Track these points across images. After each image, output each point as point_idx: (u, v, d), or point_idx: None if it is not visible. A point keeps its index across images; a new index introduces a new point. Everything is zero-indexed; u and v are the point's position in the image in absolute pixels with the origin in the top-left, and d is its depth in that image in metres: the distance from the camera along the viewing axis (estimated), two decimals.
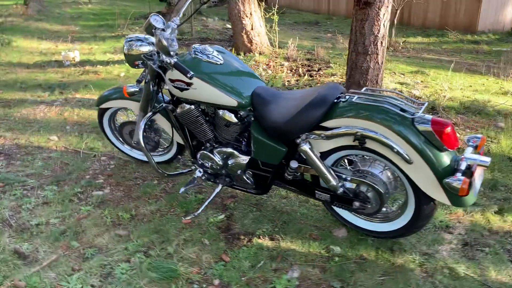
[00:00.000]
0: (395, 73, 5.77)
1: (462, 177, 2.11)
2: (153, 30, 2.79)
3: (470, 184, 2.16)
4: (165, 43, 2.49)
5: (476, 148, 2.36)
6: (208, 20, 9.78)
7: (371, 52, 4.07)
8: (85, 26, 9.65)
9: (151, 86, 2.94)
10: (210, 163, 2.86)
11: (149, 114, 2.95)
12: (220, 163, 2.82)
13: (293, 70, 5.57)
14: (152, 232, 2.72)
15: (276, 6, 6.49)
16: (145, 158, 3.51)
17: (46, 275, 2.37)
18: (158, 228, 2.76)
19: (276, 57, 6.09)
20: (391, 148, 2.25)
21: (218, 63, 2.71)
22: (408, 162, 2.25)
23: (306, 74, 5.37)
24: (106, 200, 3.09)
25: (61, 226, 2.79)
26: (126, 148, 3.58)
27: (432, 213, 2.43)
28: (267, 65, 5.87)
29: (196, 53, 2.74)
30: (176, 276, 2.34)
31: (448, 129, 2.17)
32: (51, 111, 4.81)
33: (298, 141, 2.49)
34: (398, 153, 2.25)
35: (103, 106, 3.32)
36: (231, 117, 2.73)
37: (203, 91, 2.66)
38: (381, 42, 4.06)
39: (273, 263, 2.47)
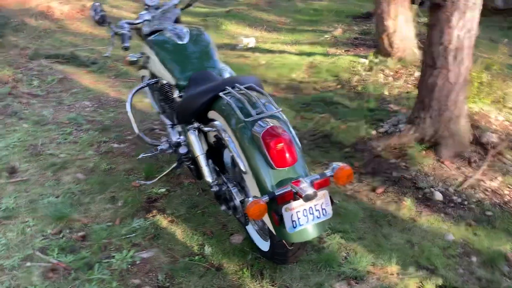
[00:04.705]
0: None
1: (258, 198, 1.76)
2: (145, 6, 3.08)
3: (278, 212, 1.78)
4: (92, 14, 2.71)
5: (331, 178, 1.88)
6: None
7: (440, 66, 3.31)
8: (296, 19, 10.23)
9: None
10: (171, 139, 3.00)
11: (140, 85, 3.23)
12: (176, 140, 2.93)
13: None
14: (99, 183, 3.07)
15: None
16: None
17: None
18: (107, 181, 3.08)
19: (414, 66, 5.41)
20: (230, 150, 2.02)
21: (180, 42, 2.80)
22: (242, 171, 1.98)
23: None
24: (112, 152, 3.56)
25: (65, 159, 3.39)
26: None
27: (284, 244, 2.05)
28: (396, 72, 5.29)
29: (169, 30, 2.89)
30: (61, 218, 2.65)
31: (279, 145, 1.84)
32: None
33: (188, 127, 2.43)
34: (233, 157, 2.00)
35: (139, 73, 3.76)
36: (178, 96, 2.81)
37: (154, 64, 2.83)
38: (455, 56, 3.26)
39: (139, 239, 2.52)
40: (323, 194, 1.86)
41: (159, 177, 3.06)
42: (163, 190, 3.02)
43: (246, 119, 1.95)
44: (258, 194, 1.91)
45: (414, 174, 3.20)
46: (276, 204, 1.79)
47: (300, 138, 3.71)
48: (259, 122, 1.93)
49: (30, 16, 8.15)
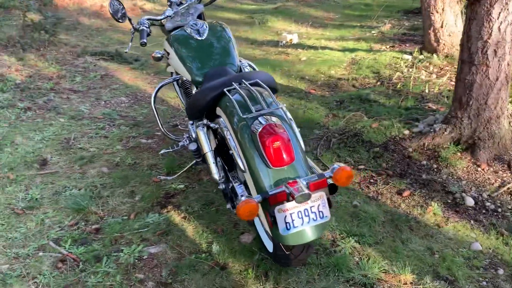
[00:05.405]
0: None
1: (249, 198, 1.70)
2: (168, 3, 3.09)
3: (271, 214, 1.71)
4: (110, 11, 2.72)
5: (331, 178, 1.78)
6: None
7: (478, 63, 3.08)
8: (344, 14, 9.98)
9: None
10: (191, 135, 2.99)
11: (165, 81, 3.24)
12: (196, 136, 2.92)
13: None
14: (121, 177, 3.11)
15: None
16: None
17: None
18: (130, 176, 3.13)
19: None
20: (230, 148, 1.98)
21: (198, 38, 2.78)
22: (240, 169, 1.92)
23: None
24: (139, 147, 3.61)
25: (93, 153, 3.49)
26: None
27: (285, 246, 1.97)
28: (441, 69, 5.01)
29: (189, 26, 2.88)
30: (79, 210, 2.71)
31: (276, 144, 1.76)
32: None
33: (197, 123, 2.40)
34: (233, 155, 1.95)
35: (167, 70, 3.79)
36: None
37: (173, 60, 2.83)
38: (494, 51, 3.02)
39: (150, 234, 2.53)
40: (320, 195, 1.77)
41: (179, 173, 3.06)
42: (181, 186, 3.02)
43: (244, 116, 1.89)
44: (255, 193, 1.85)
45: (445, 177, 3.00)
46: (268, 204, 1.72)
47: (328, 136, 3.64)
48: (259, 119, 1.87)
49: (84, 16, 8.50)
